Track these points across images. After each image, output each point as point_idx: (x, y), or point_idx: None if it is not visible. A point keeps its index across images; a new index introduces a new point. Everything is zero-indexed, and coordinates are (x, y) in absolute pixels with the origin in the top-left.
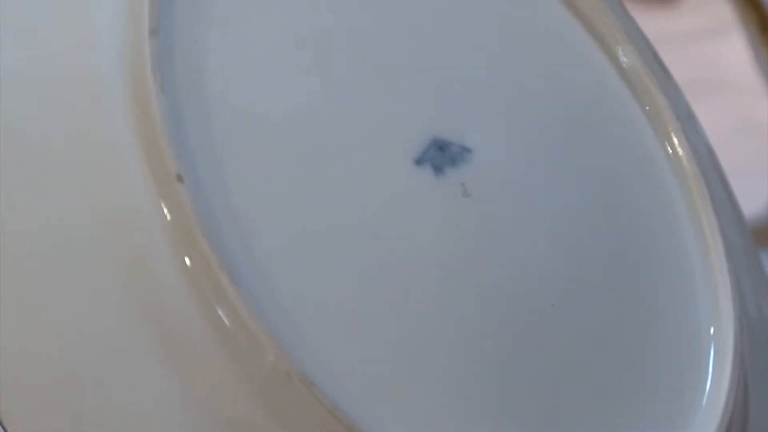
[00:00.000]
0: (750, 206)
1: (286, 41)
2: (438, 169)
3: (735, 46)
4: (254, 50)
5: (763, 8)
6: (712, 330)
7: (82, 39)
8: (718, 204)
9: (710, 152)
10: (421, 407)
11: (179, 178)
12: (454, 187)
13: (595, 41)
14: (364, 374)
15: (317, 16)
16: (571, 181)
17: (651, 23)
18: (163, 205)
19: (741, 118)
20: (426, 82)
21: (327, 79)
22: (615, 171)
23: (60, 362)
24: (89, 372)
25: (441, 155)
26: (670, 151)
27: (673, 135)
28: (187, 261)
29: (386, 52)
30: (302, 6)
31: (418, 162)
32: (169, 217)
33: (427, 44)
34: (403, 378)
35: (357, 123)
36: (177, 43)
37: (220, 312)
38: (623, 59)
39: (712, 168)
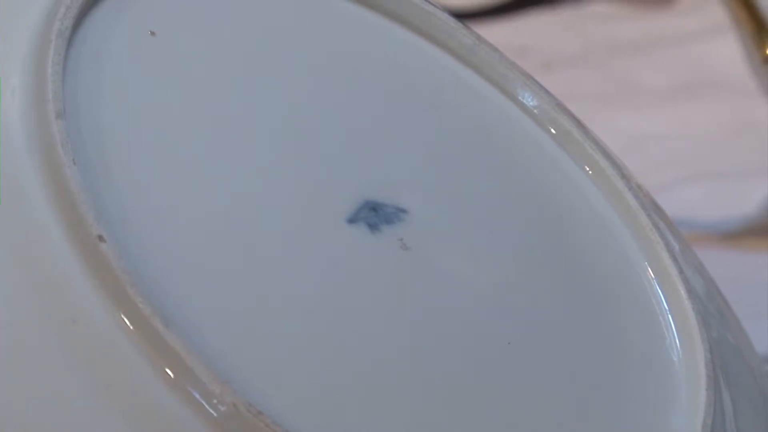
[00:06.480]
0: (745, 207)
1: (200, 116)
2: (373, 227)
3: (729, 47)
4: (165, 121)
5: (756, 10)
6: (681, 360)
7: None
8: (665, 233)
9: (641, 188)
10: None
11: (100, 238)
12: (392, 241)
13: (500, 92)
14: (315, 404)
15: (234, 90)
16: (515, 230)
17: (646, 25)
18: (89, 266)
19: (735, 118)
20: (352, 152)
21: (248, 153)
22: (559, 214)
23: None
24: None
25: (375, 215)
26: (610, 187)
27: (610, 176)
28: (121, 315)
29: (311, 125)
30: (219, 78)
31: (351, 221)
32: (96, 276)
33: (352, 117)
34: (358, 411)
35: (282, 188)
36: (84, 122)
37: (160, 359)
38: (529, 103)
39: (652, 202)
